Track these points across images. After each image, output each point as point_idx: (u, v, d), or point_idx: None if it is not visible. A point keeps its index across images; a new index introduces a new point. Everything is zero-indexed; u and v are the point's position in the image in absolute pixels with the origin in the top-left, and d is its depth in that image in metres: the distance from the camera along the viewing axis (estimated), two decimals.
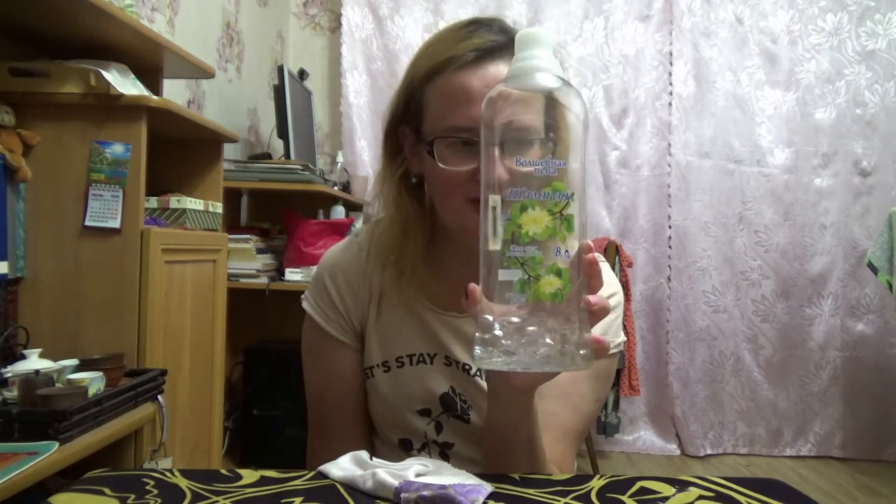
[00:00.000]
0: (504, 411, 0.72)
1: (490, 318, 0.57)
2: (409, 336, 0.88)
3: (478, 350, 0.57)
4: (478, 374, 0.87)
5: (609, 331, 0.88)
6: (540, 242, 0.55)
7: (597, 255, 0.91)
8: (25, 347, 1.29)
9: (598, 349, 0.59)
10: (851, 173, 3.23)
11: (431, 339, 0.87)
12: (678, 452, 3.25)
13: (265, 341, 2.63)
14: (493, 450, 0.76)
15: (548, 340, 0.55)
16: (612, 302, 0.89)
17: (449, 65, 0.77)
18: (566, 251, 0.56)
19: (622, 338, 0.90)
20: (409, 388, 0.88)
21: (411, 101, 0.82)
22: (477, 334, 0.58)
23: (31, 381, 1.12)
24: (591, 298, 0.58)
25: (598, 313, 0.59)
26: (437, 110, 0.78)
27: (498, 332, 0.56)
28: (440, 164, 0.76)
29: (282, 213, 2.68)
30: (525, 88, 0.59)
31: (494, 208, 0.56)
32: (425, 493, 0.57)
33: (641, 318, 3.26)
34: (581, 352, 0.57)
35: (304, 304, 0.92)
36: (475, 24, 0.81)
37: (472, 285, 0.59)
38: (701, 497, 0.62)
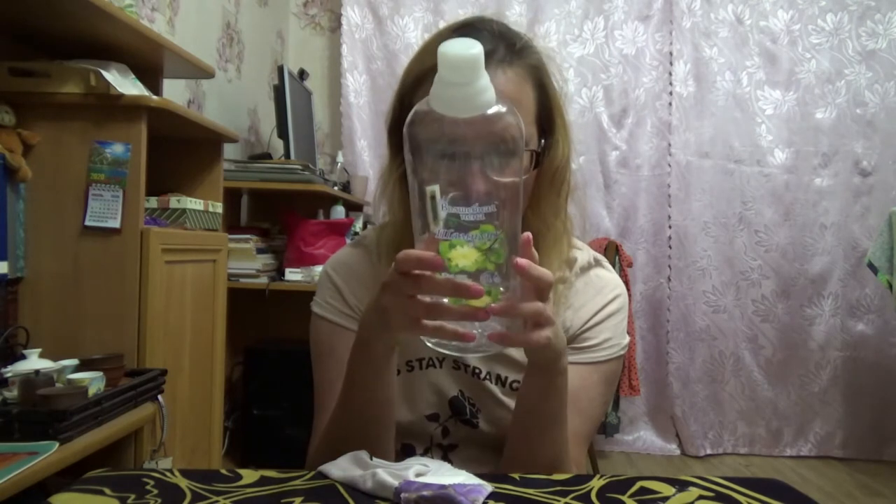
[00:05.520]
0: (533, 383, 0.75)
1: None
2: (417, 340, 0.87)
3: None
4: (487, 377, 0.87)
5: (616, 332, 0.88)
6: (469, 273, 0.57)
7: (596, 256, 0.92)
8: (25, 347, 1.29)
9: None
10: (851, 173, 3.23)
11: None
12: (678, 452, 3.25)
13: (265, 341, 2.63)
14: (520, 423, 0.78)
15: (478, 331, 0.59)
16: (616, 304, 0.90)
17: (434, 72, 0.77)
18: (497, 274, 0.58)
19: (627, 339, 0.90)
20: (419, 392, 0.88)
21: (403, 105, 0.82)
22: None
23: (31, 381, 1.12)
24: (525, 307, 0.62)
25: (532, 318, 0.63)
26: None
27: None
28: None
29: (282, 213, 2.68)
30: (457, 113, 0.57)
31: (433, 197, 0.57)
32: (425, 493, 0.57)
33: (641, 318, 3.26)
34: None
35: (314, 308, 0.91)
36: (468, 28, 0.80)
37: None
38: (701, 497, 0.62)
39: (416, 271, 0.59)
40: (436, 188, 0.57)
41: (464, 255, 0.56)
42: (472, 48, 0.55)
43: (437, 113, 0.57)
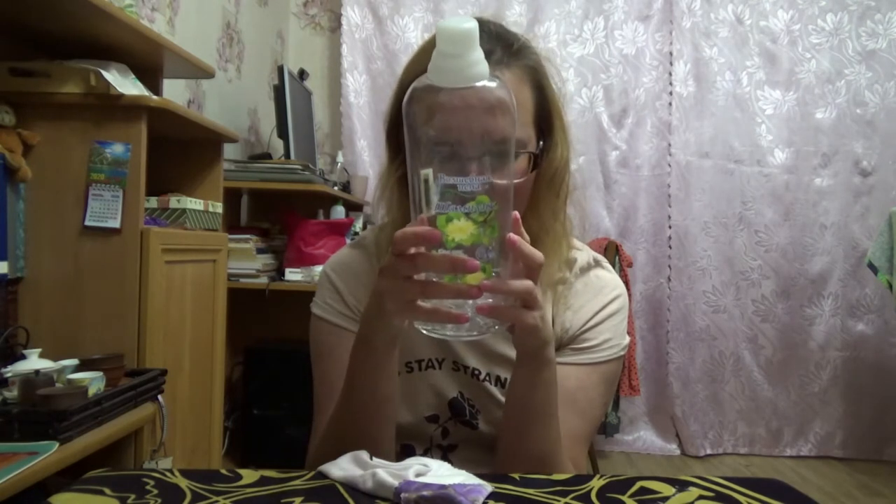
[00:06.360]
0: (520, 374, 0.74)
1: None
2: (416, 341, 0.87)
3: None
4: (486, 379, 0.87)
5: (616, 333, 0.88)
6: (466, 247, 0.58)
7: (596, 257, 0.92)
8: (25, 347, 1.29)
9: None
10: (851, 173, 3.23)
11: (439, 345, 0.87)
12: (678, 452, 3.25)
13: (265, 341, 2.63)
14: (510, 416, 0.78)
15: (469, 314, 0.60)
16: (616, 304, 0.89)
17: None
18: (491, 249, 0.59)
19: (627, 340, 0.90)
20: (418, 393, 0.88)
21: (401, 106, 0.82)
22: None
23: (31, 381, 1.12)
24: (515, 284, 0.62)
25: (521, 295, 0.63)
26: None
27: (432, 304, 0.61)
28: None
29: (282, 213, 2.68)
30: (450, 83, 0.59)
31: (426, 180, 0.58)
32: (425, 493, 0.57)
33: (641, 318, 3.26)
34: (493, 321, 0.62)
35: (314, 309, 0.91)
36: None
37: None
38: (701, 497, 0.62)
39: (413, 250, 0.59)
40: (429, 172, 0.58)
41: (460, 229, 0.57)
42: (466, 22, 0.57)
43: (433, 86, 0.59)
